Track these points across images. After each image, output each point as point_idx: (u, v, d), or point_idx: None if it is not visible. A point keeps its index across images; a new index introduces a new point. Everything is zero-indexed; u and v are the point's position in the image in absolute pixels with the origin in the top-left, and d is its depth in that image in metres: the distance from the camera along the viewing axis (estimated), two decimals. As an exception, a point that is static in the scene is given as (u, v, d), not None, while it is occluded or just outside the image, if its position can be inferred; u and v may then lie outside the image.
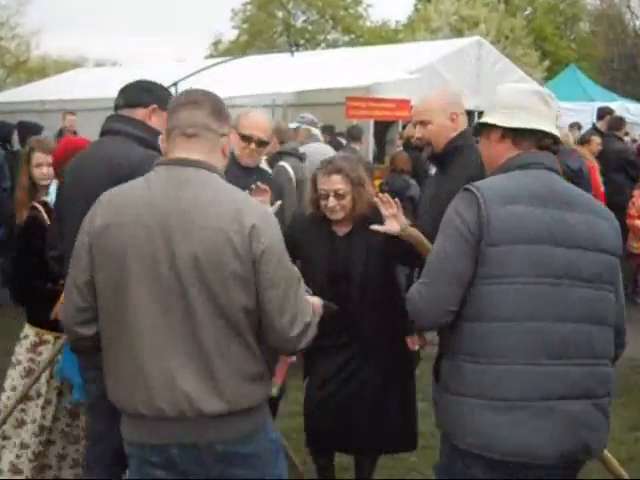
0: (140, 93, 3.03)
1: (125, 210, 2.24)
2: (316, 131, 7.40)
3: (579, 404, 2.30)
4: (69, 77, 19.71)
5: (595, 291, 2.34)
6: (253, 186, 3.38)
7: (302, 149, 6.27)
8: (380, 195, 3.22)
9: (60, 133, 9.73)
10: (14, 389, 3.58)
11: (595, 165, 7.56)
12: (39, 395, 3.56)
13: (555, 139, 2.46)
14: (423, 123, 3.30)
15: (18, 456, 3.52)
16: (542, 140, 2.44)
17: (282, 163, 5.59)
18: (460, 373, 2.33)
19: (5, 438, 3.55)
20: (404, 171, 7.49)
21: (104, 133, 3.01)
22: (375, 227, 3.22)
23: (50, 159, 3.73)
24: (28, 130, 7.88)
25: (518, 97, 2.47)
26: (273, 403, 2.61)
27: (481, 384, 2.27)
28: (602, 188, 8.05)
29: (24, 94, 17.22)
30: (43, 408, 3.56)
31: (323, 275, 3.42)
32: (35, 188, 3.72)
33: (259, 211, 2.28)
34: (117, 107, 3.04)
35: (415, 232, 3.13)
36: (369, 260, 3.44)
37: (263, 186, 3.36)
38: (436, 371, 2.52)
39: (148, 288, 2.19)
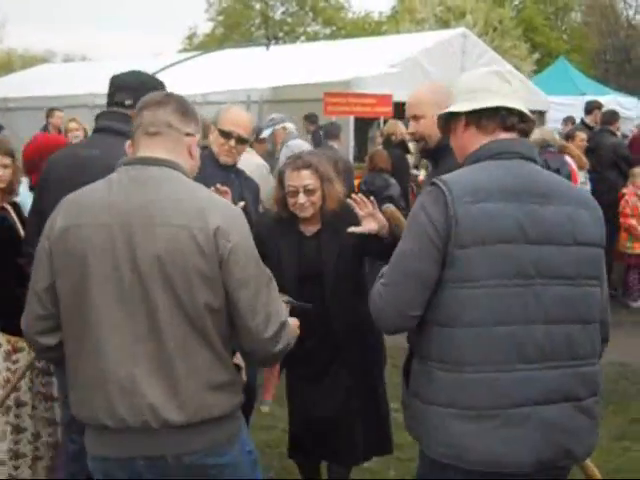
0: (142, 93, 3.02)
1: (85, 212, 2.25)
2: (291, 126, 7.44)
3: (558, 408, 2.28)
4: (36, 73, 19.62)
5: (576, 288, 2.31)
6: (212, 188, 3.39)
7: (285, 150, 6.32)
8: (354, 196, 3.24)
9: (44, 129, 9.68)
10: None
11: (574, 169, 7.56)
12: (25, 404, 3.58)
13: (522, 116, 2.39)
14: (416, 117, 3.29)
15: (15, 467, 3.55)
16: (507, 119, 2.37)
17: None
18: (430, 380, 2.31)
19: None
20: (383, 170, 7.49)
21: (108, 130, 3.05)
22: (352, 229, 3.24)
23: (6, 160, 3.71)
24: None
25: (477, 80, 2.44)
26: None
27: (451, 392, 2.26)
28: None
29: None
30: (32, 417, 3.58)
31: (292, 277, 3.43)
32: (11, 188, 3.69)
33: (224, 209, 2.29)
34: (123, 105, 3.08)
35: (397, 212, 3.16)
36: (340, 260, 3.46)
37: (223, 188, 3.36)
38: (406, 372, 2.51)
39: (109, 291, 2.19)
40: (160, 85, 3.17)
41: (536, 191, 2.30)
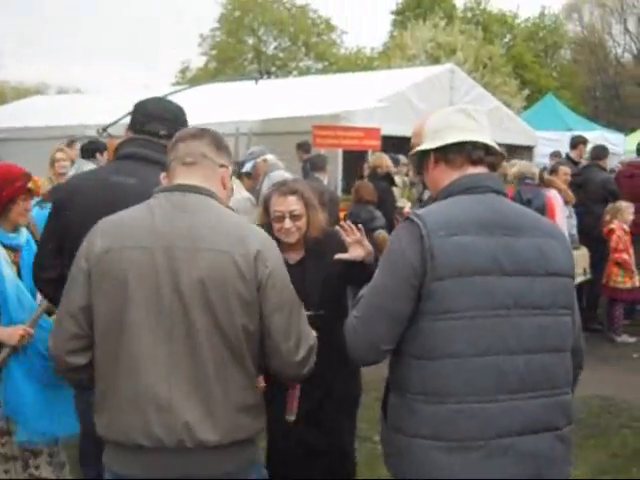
0: (180, 125, 3.06)
1: (127, 235, 2.32)
2: (272, 158, 7.49)
3: (538, 438, 2.30)
4: (28, 104, 19.72)
5: (550, 317, 2.34)
6: None
7: (267, 181, 6.34)
8: (342, 223, 3.29)
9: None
10: None
11: (555, 202, 7.56)
12: None
13: (488, 149, 2.45)
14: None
15: None
16: (472, 153, 2.42)
17: None
18: (411, 412, 2.31)
19: None
20: (369, 202, 7.54)
21: (142, 158, 3.04)
22: (339, 256, 3.28)
23: None
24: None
25: (443, 119, 2.51)
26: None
27: (434, 424, 2.26)
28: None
29: (-23, 122, 17.15)
30: None
31: None
32: None
33: (262, 236, 2.41)
34: (158, 134, 3.08)
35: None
36: (324, 288, 3.47)
37: None
38: (384, 407, 2.49)
39: (149, 313, 2.25)
40: (185, 114, 3.23)
41: (508, 224, 2.34)
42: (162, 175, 2.56)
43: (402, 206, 8.57)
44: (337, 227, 3.33)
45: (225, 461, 2.31)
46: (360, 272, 3.27)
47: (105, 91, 22.14)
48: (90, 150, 7.51)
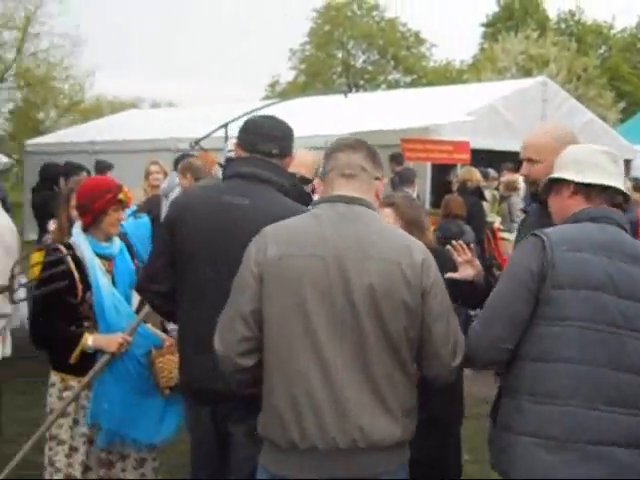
0: (290, 143, 3.17)
1: (298, 243, 2.46)
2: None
3: (629, 453, 2.44)
4: (122, 118, 20.38)
5: None
6: None
7: None
8: (454, 242, 3.27)
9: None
10: (53, 439, 3.62)
11: None
12: (63, 442, 3.59)
13: (626, 197, 2.66)
14: (531, 161, 3.30)
15: None
16: (614, 198, 2.63)
17: None
18: (520, 412, 2.49)
19: None
20: (458, 216, 7.47)
21: (256, 178, 3.05)
22: (450, 275, 3.22)
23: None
24: (73, 171, 8.18)
25: (589, 155, 2.69)
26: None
27: (538, 423, 2.45)
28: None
29: (75, 135, 17.84)
30: (68, 456, 3.59)
31: None
32: (71, 227, 3.82)
33: (422, 246, 2.53)
34: (270, 154, 3.10)
35: None
36: None
37: None
38: (494, 412, 2.67)
39: (321, 318, 2.38)
40: (292, 132, 3.23)
41: (626, 252, 2.54)
42: (316, 181, 2.64)
43: (492, 221, 8.46)
44: (448, 246, 3.29)
45: (390, 461, 2.43)
46: (468, 292, 3.22)
47: (196, 105, 22.68)
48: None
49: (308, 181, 3.96)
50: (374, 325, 2.37)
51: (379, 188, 2.63)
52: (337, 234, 2.44)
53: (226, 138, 10.52)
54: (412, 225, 3.42)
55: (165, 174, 7.94)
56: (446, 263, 3.25)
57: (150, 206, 6.81)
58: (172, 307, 3.16)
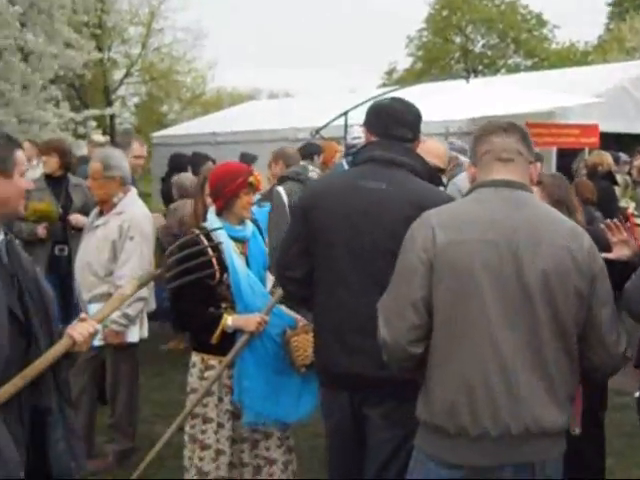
0: (419, 127, 3.21)
1: (466, 227, 2.45)
2: (464, 159, 7.38)
3: None
4: (242, 109, 20.82)
5: None
6: None
7: (451, 187, 6.31)
8: (608, 222, 3.21)
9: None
10: (197, 417, 3.77)
11: None
12: (211, 419, 3.73)
13: None
14: None
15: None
16: None
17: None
18: None
19: (196, 467, 3.74)
20: (588, 201, 7.24)
21: (390, 163, 3.08)
22: (605, 255, 3.18)
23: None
24: (199, 161, 8.46)
25: None
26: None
27: None
28: None
29: (198, 127, 18.37)
30: (216, 432, 3.73)
31: None
32: (205, 215, 3.98)
33: (585, 232, 2.53)
34: (404, 139, 3.14)
35: None
36: None
37: None
38: None
39: (494, 304, 2.38)
40: (421, 115, 3.25)
41: None
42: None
43: (625, 206, 8.15)
44: (602, 225, 3.22)
45: (555, 447, 2.43)
46: (622, 273, 3.12)
47: (314, 95, 22.91)
48: (307, 152, 7.83)
49: (442, 171, 3.97)
50: (547, 311, 2.36)
51: (533, 172, 2.62)
52: (506, 219, 2.42)
53: (346, 126, 10.61)
54: (560, 205, 3.34)
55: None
56: (599, 243, 3.18)
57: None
58: (307, 293, 3.20)
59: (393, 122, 3.14)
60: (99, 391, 5.12)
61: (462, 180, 6.06)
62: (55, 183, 6.27)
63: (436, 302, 2.43)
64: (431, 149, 3.88)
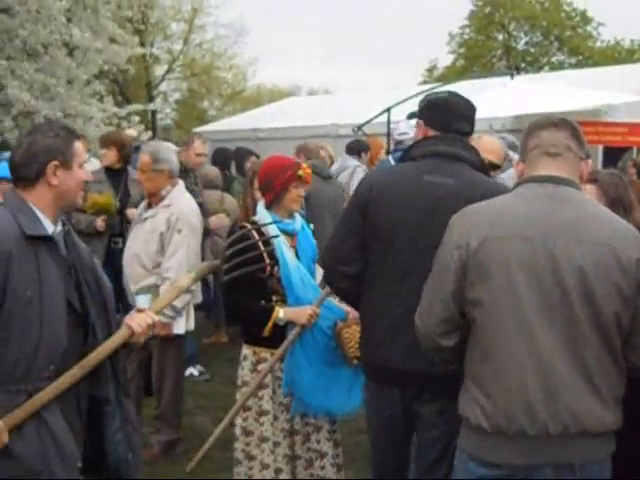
0: (474, 121, 3.20)
1: (503, 223, 2.43)
2: (514, 156, 7.33)
3: None
4: (282, 105, 20.88)
5: None
6: None
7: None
8: None
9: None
10: (249, 409, 3.80)
11: None
12: (267, 412, 3.76)
13: None
14: None
15: (263, 477, 3.74)
16: None
17: None
18: None
19: (251, 459, 3.78)
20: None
21: (451, 157, 3.07)
22: None
23: None
24: (243, 156, 8.52)
25: None
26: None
27: None
28: None
29: (239, 123, 18.47)
30: (272, 425, 3.76)
31: None
32: (255, 209, 4.01)
33: (634, 229, 2.48)
34: (463, 132, 3.14)
35: None
36: None
37: None
38: None
39: (532, 299, 2.36)
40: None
41: None
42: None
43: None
44: None
45: (599, 448, 2.39)
46: None
47: (353, 91, 22.85)
48: (355, 148, 7.85)
49: (497, 167, 3.96)
50: (585, 308, 2.33)
51: (584, 169, 2.56)
52: (545, 215, 2.41)
53: (388, 123, 10.60)
54: (616, 204, 3.25)
55: (331, 158, 8.15)
56: None
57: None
58: (358, 289, 3.16)
59: (454, 116, 3.12)
60: (145, 382, 5.20)
61: (508, 176, 6.04)
62: (114, 176, 6.32)
63: (472, 299, 2.44)
64: (487, 145, 3.87)
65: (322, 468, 3.80)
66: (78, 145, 2.72)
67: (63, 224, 2.74)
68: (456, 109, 3.14)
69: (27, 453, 2.51)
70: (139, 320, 2.72)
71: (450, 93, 3.29)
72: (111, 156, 6.37)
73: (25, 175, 2.64)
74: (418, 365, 2.86)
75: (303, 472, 3.81)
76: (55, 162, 2.64)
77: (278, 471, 3.73)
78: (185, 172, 6.68)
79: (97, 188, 6.03)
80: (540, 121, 2.57)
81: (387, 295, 3.00)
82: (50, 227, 2.65)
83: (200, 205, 6.60)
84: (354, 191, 3.30)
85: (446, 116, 3.13)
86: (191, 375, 6.54)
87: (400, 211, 2.98)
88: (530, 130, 2.58)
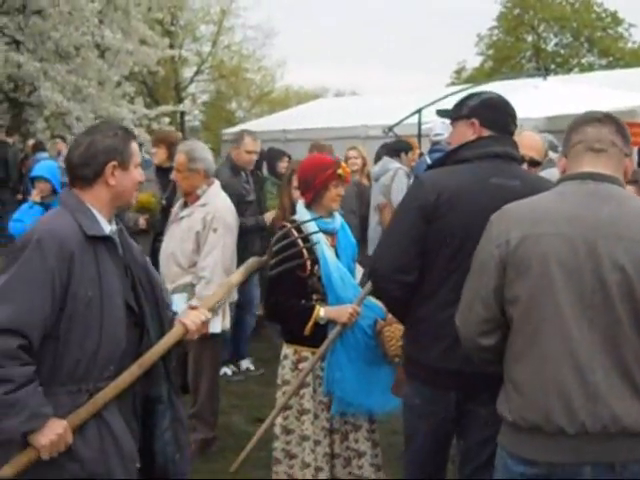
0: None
1: (543, 221, 2.41)
2: (553, 156, 7.29)
3: None
4: (311, 107, 20.91)
5: None
6: None
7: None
8: None
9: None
10: (289, 408, 3.79)
11: None
12: (307, 411, 3.76)
13: None
14: None
15: (304, 475, 3.74)
16: None
17: None
18: None
19: (292, 457, 3.79)
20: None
21: (511, 158, 3.04)
22: None
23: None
24: (275, 156, 8.53)
25: None
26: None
27: None
28: None
29: (268, 124, 18.53)
30: (312, 423, 3.75)
31: None
32: (293, 207, 4.01)
33: None
34: (510, 132, 3.10)
35: None
36: None
37: None
38: None
39: (571, 299, 2.34)
40: None
41: None
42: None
43: None
44: None
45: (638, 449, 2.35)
46: None
47: (382, 93, 22.83)
48: (395, 149, 7.81)
49: (538, 164, 3.93)
50: (627, 307, 2.30)
51: (628, 166, 2.52)
52: (586, 213, 2.37)
53: (419, 124, 10.57)
54: None
55: (363, 159, 8.12)
56: None
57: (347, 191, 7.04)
58: (410, 299, 3.08)
59: (511, 118, 3.09)
60: (181, 380, 5.21)
61: (549, 175, 6.00)
62: (163, 175, 6.30)
63: (510, 298, 2.42)
64: (528, 141, 3.85)
65: (360, 467, 3.79)
66: (135, 145, 2.74)
67: (116, 223, 2.75)
68: (511, 110, 3.11)
69: (89, 454, 2.53)
70: (193, 317, 2.73)
71: (496, 94, 3.23)
72: (161, 154, 6.40)
73: (83, 175, 2.64)
74: (467, 365, 2.81)
75: (342, 470, 3.81)
76: (114, 162, 2.65)
77: (318, 470, 3.72)
78: (236, 170, 6.73)
79: (146, 187, 5.99)
80: (584, 116, 2.55)
81: (453, 300, 2.81)
82: (107, 227, 2.66)
83: (251, 203, 6.67)
84: (410, 196, 3.16)
85: (504, 117, 3.09)
86: (225, 374, 6.56)
87: (470, 216, 2.89)
88: (574, 126, 2.55)
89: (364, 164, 8.09)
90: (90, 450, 2.53)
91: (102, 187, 2.65)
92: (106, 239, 2.63)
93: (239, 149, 6.74)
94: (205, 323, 2.77)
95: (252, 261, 3.05)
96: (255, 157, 6.93)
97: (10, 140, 14.82)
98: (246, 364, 6.99)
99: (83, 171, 2.64)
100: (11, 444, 2.47)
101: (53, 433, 2.43)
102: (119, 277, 2.63)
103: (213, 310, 2.89)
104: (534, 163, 3.87)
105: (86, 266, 2.52)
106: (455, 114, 3.21)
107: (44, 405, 2.43)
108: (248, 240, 6.11)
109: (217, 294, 2.93)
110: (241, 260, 3.11)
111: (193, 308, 2.80)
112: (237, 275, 2.95)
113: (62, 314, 2.48)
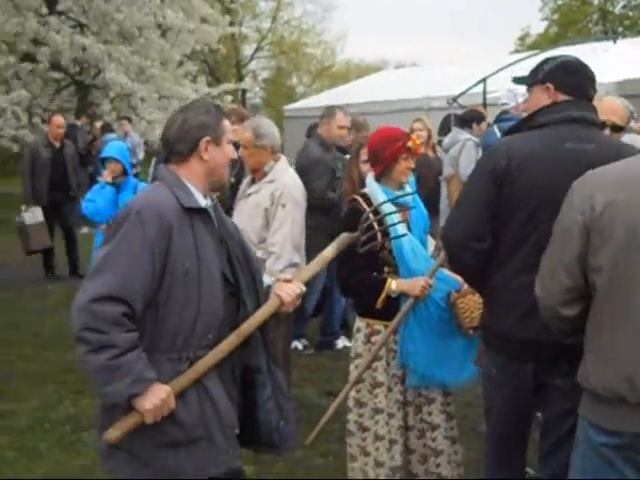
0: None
1: (629, 187, 2.34)
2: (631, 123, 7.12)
3: None
4: (372, 80, 20.79)
5: None
6: None
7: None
8: None
9: None
10: (363, 382, 3.83)
11: None
12: (380, 384, 3.78)
13: None
14: None
15: (377, 448, 3.77)
16: None
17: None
18: None
19: (365, 430, 3.82)
20: None
21: (590, 122, 3.00)
22: None
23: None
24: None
25: None
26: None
27: None
28: None
29: (329, 99, 18.49)
30: (386, 396, 3.77)
31: None
32: (362, 181, 4.00)
33: None
34: (589, 98, 3.04)
35: None
36: None
37: None
38: None
39: None
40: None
41: None
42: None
43: None
44: None
45: None
46: None
47: (443, 64, 22.52)
48: (466, 120, 7.71)
49: (621, 129, 3.85)
50: None
51: None
52: None
53: (484, 93, 10.41)
54: None
55: (429, 131, 8.06)
56: None
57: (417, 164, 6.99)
58: (484, 267, 3.06)
59: (591, 83, 3.03)
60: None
61: (630, 140, 5.89)
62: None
63: (595, 265, 2.36)
64: (610, 105, 3.78)
65: (434, 440, 3.80)
66: (226, 122, 2.79)
67: (211, 199, 2.82)
68: (590, 73, 3.04)
69: (189, 419, 2.60)
70: (288, 290, 2.77)
71: (576, 58, 3.14)
72: (239, 131, 6.44)
73: (179, 150, 2.73)
74: (549, 336, 2.76)
75: (416, 442, 3.82)
76: (207, 138, 2.72)
77: (392, 442, 3.75)
78: (326, 146, 6.66)
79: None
80: None
81: (528, 267, 2.83)
82: (203, 201, 2.74)
83: (339, 178, 6.60)
84: (482, 162, 3.16)
85: (582, 80, 3.02)
86: (296, 348, 6.63)
87: (544, 181, 2.87)
88: None
89: (429, 136, 8.03)
90: (190, 415, 2.60)
91: (197, 162, 2.73)
92: (202, 211, 2.70)
93: (330, 124, 6.65)
94: (299, 295, 2.79)
95: (344, 236, 3.05)
96: (346, 133, 6.78)
97: (79, 122, 15.17)
98: (342, 343, 6.94)
99: (178, 147, 2.72)
100: (116, 408, 2.56)
101: (157, 398, 2.50)
102: (215, 249, 2.69)
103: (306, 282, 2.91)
104: (617, 128, 3.78)
105: (183, 237, 2.60)
106: (531, 80, 3.16)
107: (148, 370, 2.51)
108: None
109: (311, 268, 2.95)
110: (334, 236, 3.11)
111: (287, 281, 2.83)
112: (330, 250, 2.96)
113: (161, 284, 2.56)
